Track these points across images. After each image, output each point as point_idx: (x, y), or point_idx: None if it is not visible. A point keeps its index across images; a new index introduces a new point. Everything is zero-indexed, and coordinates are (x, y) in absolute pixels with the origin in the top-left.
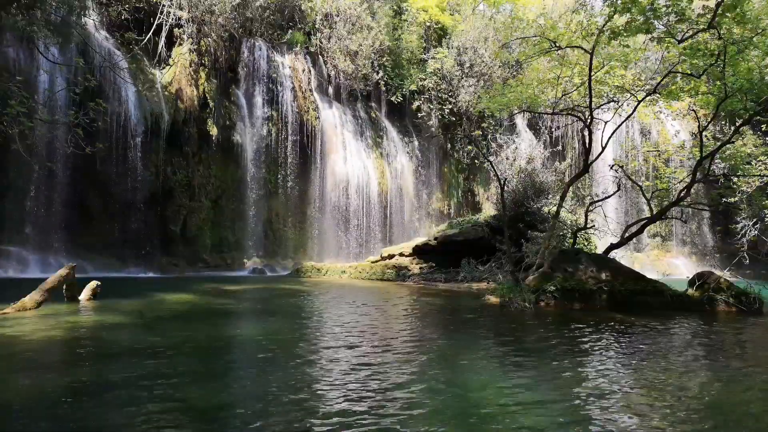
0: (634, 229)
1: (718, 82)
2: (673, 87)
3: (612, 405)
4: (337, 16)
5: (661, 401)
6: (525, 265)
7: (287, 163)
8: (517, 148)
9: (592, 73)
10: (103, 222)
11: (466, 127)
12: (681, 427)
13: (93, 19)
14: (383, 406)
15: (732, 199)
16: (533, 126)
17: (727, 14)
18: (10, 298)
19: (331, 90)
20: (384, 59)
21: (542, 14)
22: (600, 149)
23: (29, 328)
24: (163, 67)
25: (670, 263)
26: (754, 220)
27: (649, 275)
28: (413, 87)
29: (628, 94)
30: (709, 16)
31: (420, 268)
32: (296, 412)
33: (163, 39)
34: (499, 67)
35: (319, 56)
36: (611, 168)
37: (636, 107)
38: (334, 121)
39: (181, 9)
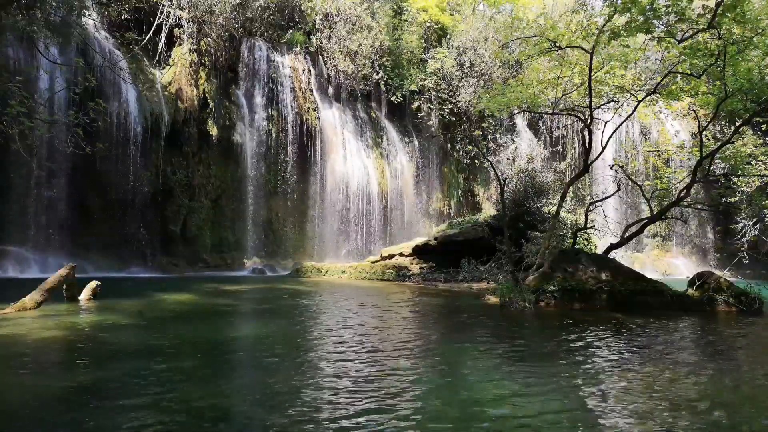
0: (634, 229)
1: (718, 82)
2: (673, 87)
3: (612, 405)
4: (337, 16)
5: (661, 401)
6: (525, 265)
7: (287, 163)
8: (517, 148)
9: (592, 73)
10: (103, 222)
11: (466, 127)
12: (681, 428)
13: (93, 19)
14: (383, 406)
15: (732, 199)
16: (533, 126)
17: (727, 14)
18: (10, 298)
19: (331, 90)
20: (384, 59)
21: (542, 14)
22: (600, 149)
23: (29, 328)
24: (163, 67)
25: (670, 263)
26: (754, 220)
27: (649, 275)
28: (413, 87)
29: (628, 94)
30: (709, 16)
31: (420, 268)
32: (296, 412)
33: (163, 39)
34: (499, 67)
35: (319, 56)
36: (611, 168)
37: (636, 107)
38: (334, 121)
39: (181, 9)
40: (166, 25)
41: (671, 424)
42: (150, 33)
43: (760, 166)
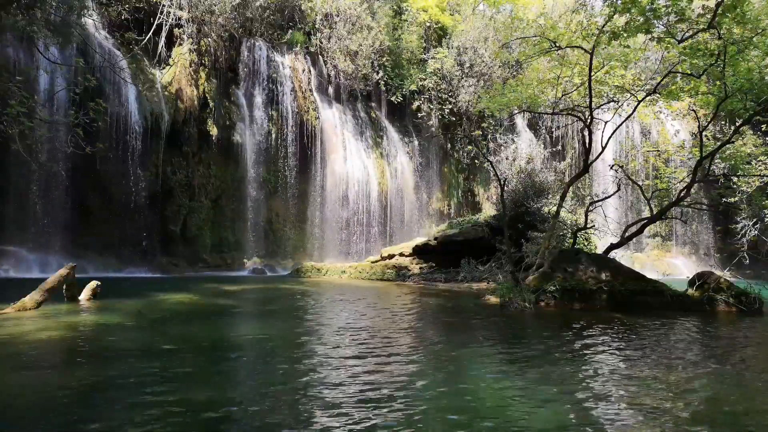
0: (634, 229)
1: (718, 82)
2: (673, 87)
3: (612, 405)
4: (337, 16)
5: (661, 401)
6: (525, 265)
7: (287, 163)
8: (517, 148)
9: (592, 73)
10: (103, 222)
11: (466, 127)
12: (682, 428)
13: (93, 19)
14: (383, 406)
15: (732, 199)
16: (533, 126)
17: (727, 14)
18: (10, 298)
19: (331, 90)
20: (384, 59)
21: (542, 14)
22: (600, 149)
23: (29, 328)
24: (163, 67)
25: (670, 263)
26: (754, 220)
27: (649, 275)
28: (413, 87)
29: (628, 94)
30: (709, 16)
31: (420, 268)
32: (296, 412)
33: (163, 39)
34: (499, 67)
35: (319, 56)
36: (611, 168)
37: (636, 107)
38: (334, 121)
39: (181, 9)
40: (166, 25)
41: (672, 425)
42: (150, 33)
43: (760, 166)
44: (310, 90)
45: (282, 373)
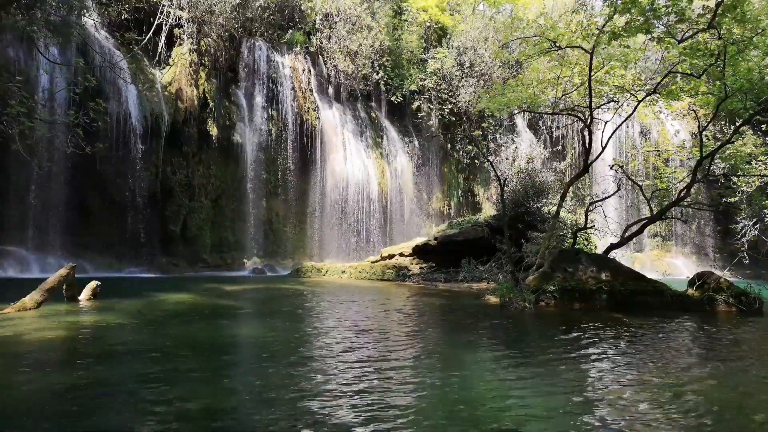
0: (634, 229)
1: (718, 82)
2: (673, 87)
3: (612, 405)
4: (337, 16)
5: (661, 401)
6: (525, 265)
7: (287, 163)
8: (517, 148)
9: (592, 73)
10: (103, 222)
11: (466, 127)
12: (682, 428)
13: (93, 19)
14: (383, 406)
15: (732, 199)
16: (533, 126)
17: (727, 14)
18: (10, 298)
19: (331, 90)
20: (384, 59)
21: (542, 14)
22: (600, 149)
23: (29, 328)
24: (163, 67)
25: (670, 263)
26: (754, 220)
27: (649, 275)
28: (413, 87)
29: (628, 94)
30: (709, 16)
31: (420, 268)
32: (296, 412)
33: (163, 39)
34: (499, 67)
35: (319, 56)
36: (611, 168)
37: (636, 107)
38: (334, 121)
39: (181, 9)
40: (166, 25)
41: (672, 425)
42: (150, 33)
43: (760, 166)
44: (310, 90)
45: (281, 373)
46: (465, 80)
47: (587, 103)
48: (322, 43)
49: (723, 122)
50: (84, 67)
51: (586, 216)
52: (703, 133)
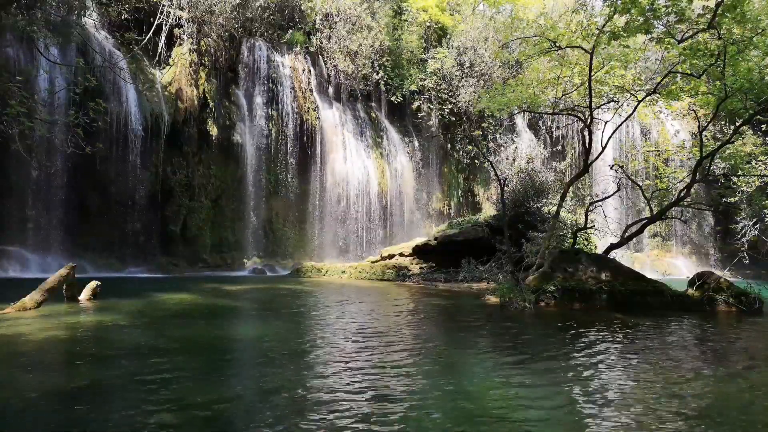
0: (634, 229)
1: (718, 82)
2: (673, 87)
3: (612, 405)
4: (337, 16)
5: (661, 401)
6: (525, 265)
7: (287, 163)
8: (517, 148)
9: (592, 73)
10: (103, 222)
11: (466, 127)
12: (682, 428)
13: (93, 19)
14: (383, 406)
15: (732, 199)
16: (533, 126)
17: (727, 14)
18: (10, 298)
19: (331, 90)
20: (384, 59)
21: (542, 14)
22: (600, 149)
23: (29, 328)
24: (163, 67)
25: (670, 263)
26: (754, 220)
27: (649, 275)
28: (413, 87)
29: (628, 94)
30: (709, 16)
31: (420, 268)
32: (296, 412)
33: (163, 39)
34: (499, 67)
35: (319, 56)
36: (611, 168)
37: (636, 107)
38: (334, 121)
39: (181, 9)
40: (166, 25)
41: (672, 425)
42: (150, 33)
43: (760, 166)
44: (310, 90)
45: (281, 373)
46: (465, 80)
47: (587, 103)
48: (322, 43)
49: (723, 122)
50: (84, 67)
51: (586, 216)
52: (703, 133)
